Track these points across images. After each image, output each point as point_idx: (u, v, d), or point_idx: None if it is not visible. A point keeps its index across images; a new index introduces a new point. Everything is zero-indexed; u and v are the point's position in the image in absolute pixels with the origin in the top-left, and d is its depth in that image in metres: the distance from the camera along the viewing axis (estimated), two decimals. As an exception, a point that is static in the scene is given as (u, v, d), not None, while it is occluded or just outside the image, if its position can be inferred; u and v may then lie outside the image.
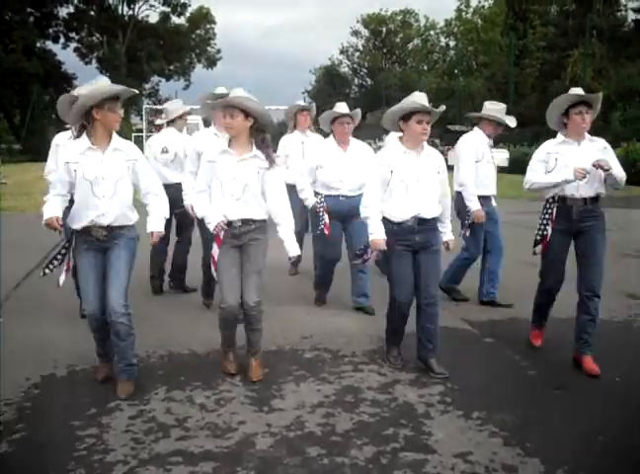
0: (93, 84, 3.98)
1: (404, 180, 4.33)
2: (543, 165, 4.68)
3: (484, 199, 5.96)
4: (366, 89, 59.48)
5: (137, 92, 4.25)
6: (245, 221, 4.28)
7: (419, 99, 4.30)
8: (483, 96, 36.33)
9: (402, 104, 4.35)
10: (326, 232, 5.65)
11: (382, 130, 29.75)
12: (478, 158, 5.92)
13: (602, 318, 5.71)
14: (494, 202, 6.20)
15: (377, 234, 4.33)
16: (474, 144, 5.97)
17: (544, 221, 4.69)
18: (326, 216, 5.66)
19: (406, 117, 4.31)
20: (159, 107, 36.85)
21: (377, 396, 4.12)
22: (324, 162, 5.70)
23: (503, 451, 3.40)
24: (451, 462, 3.29)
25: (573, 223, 4.59)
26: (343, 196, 5.70)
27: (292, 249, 4.37)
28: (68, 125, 5.05)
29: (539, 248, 4.75)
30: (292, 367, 4.59)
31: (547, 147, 4.71)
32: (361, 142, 5.95)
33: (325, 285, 6.24)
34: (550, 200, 4.67)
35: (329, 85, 59.49)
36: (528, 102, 34.58)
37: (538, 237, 4.73)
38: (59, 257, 4.19)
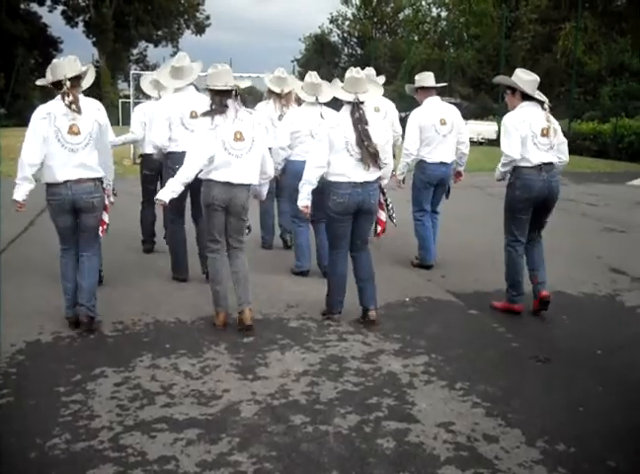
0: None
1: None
2: None
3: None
4: (356, 58, 58.84)
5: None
6: None
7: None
8: (473, 68, 36.14)
9: None
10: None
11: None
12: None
13: (586, 292, 5.81)
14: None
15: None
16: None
17: None
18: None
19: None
20: (147, 73, 36.33)
21: (362, 365, 4.15)
22: None
23: (485, 422, 3.45)
24: (434, 432, 3.33)
25: None
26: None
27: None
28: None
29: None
30: (277, 336, 4.61)
31: None
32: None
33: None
34: None
35: (319, 54, 58.93)
36: (519, 75, 34.46)
37: None
38: None
